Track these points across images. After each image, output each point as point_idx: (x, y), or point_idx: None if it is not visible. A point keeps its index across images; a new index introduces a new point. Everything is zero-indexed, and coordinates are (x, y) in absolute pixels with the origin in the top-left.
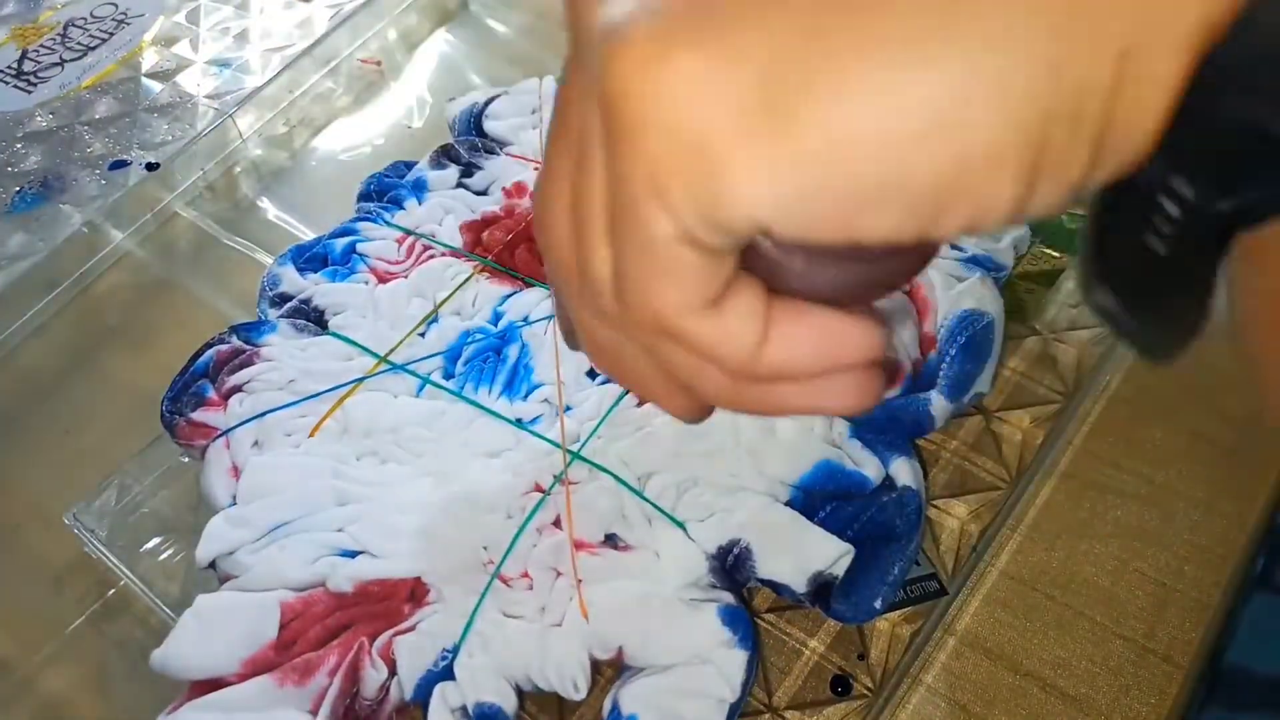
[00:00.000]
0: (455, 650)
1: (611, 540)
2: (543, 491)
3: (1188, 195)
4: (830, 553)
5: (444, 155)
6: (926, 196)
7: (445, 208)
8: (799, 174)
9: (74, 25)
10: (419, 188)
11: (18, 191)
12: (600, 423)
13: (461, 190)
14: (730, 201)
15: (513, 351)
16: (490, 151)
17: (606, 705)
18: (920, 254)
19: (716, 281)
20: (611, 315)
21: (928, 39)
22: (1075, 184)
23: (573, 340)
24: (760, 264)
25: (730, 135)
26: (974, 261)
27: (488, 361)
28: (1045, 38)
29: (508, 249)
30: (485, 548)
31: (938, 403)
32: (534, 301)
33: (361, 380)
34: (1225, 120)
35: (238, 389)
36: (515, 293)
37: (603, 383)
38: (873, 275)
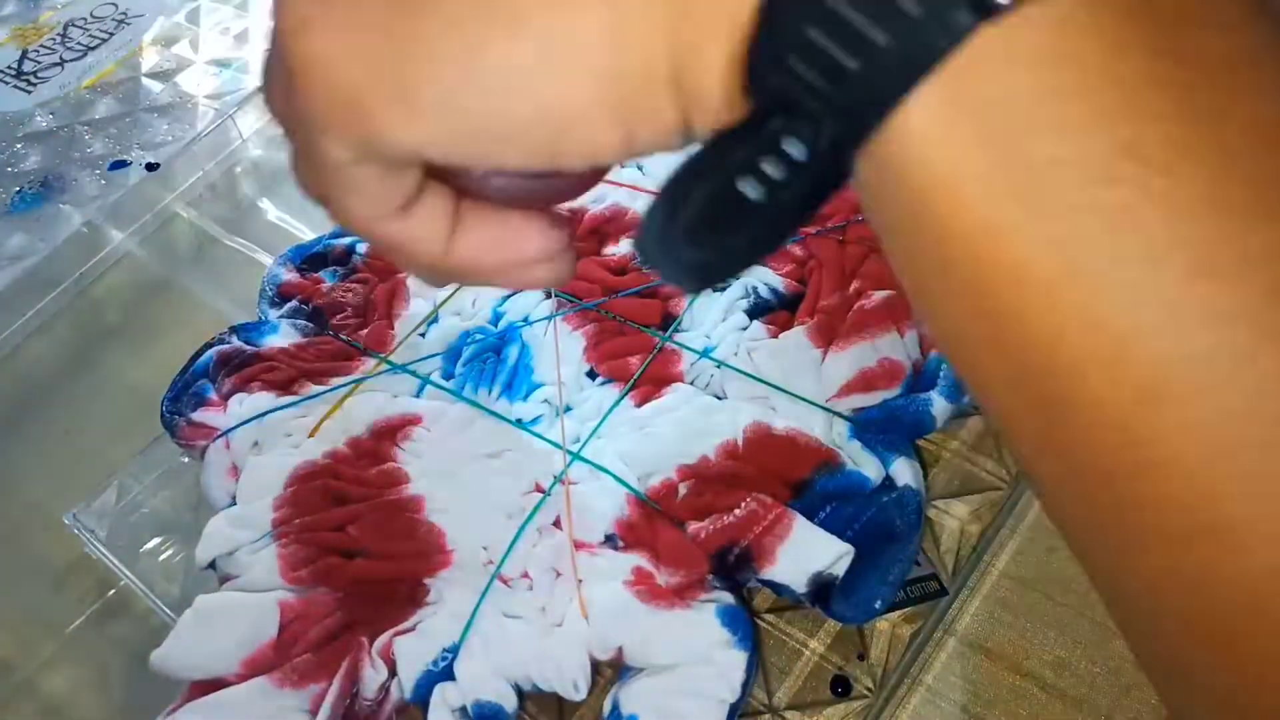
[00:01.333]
0: (455, 651)
1: (611, 540)
2: (543, 492)
3: (800, 145)
4: (830, 553)
5: None
6: (535, 140)
7: None
8: (430, 123)
9: (74, 25)
10: None
11: (18, 191)
12: (600, 423)
13: None
14: (384, 142)
15: (513, 352)
16: None
17: (606, 705)
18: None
19: (401, 192)
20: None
21: (505, 14)
22: (675, 130)
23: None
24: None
25: (372, 92)
26: None
27: (488, 362)
28: (602, 10)
29: None
30: (485, 548)
31: (938, 403)
32: (534, 302)
33: (361, 380)
34: (772, 87)
35: (238, 389)
36: (515, 293)
37: (603, 383)
38: (545, 188)
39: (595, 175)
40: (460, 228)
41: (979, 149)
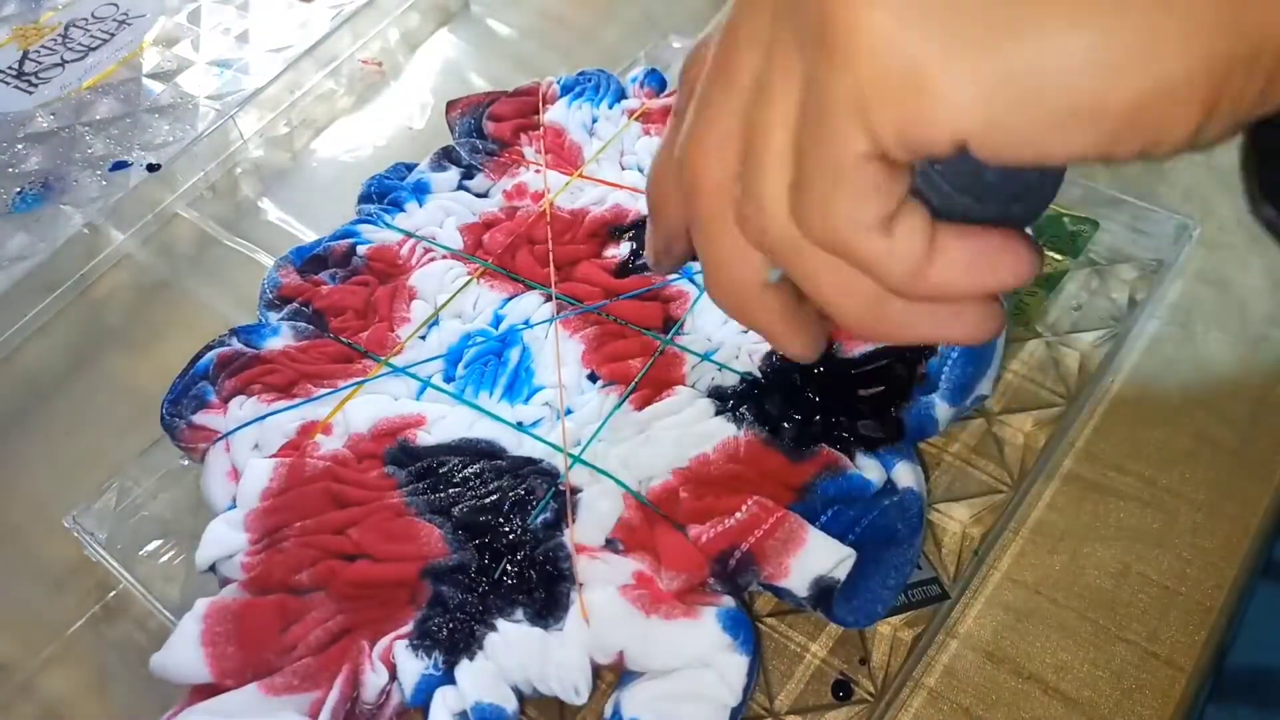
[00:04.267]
0: (456, 654)
1: (612, 544)
2: (543, 495)
3: None
4: (832, 557)
5: (445, 157)
6: (1116, 121)
7: (446, 210)
8: (1001, 94)
9: (75, 26)
10: (420, 190)
11: (19, 192)
12: (601, 426)
13: (462, 192)
14: (935, 119)
15: (514, 355)
16: (491, 153)
17: (608, 710)
18: (1047, 194)
19: (893, 199)
20: (771, 236)
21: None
22: (1244, 117)
23: (661, 265)
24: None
25: (940, 58)
26: None
27: (488, 365)
28: (1227, 6)
29: (508, 252)
30: (486, 551)
31: (940, 406)
32: (535, 304)
33: (362, 383)
34: None
35: (238, 391)
36: (516, 296)
37: (603, 386)
38: (1008, 212)
39: (1046, 201)
40: (936, 247)
41: None
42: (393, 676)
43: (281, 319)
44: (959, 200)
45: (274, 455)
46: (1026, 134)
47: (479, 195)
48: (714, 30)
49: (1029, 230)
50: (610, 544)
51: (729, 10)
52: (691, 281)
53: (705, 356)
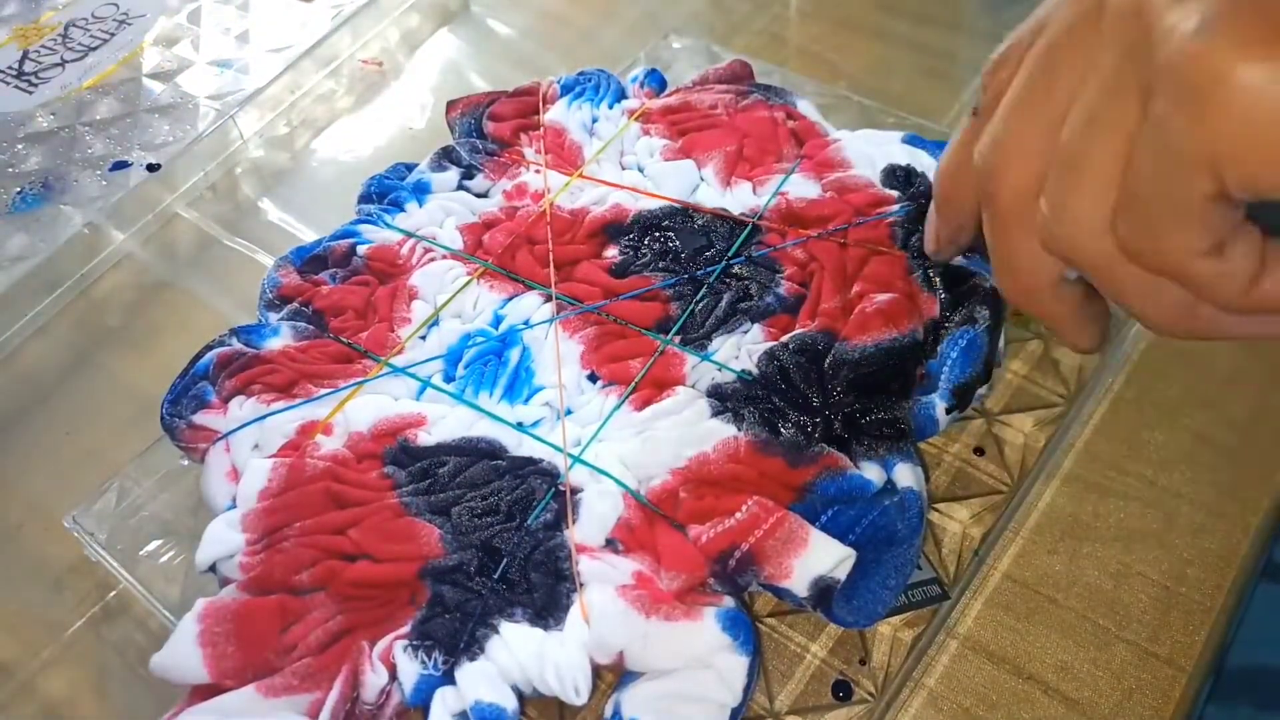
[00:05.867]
0: (456, 654)
1: (612, 544)
2: (543, 495)
3: None
4: (832, 557)
5: (445, 157)
6: None
7: (446, 210)
8: None
9: (75, 26)
10: (420, 190)
11: (19, 192)
12: (601, 426)
13: (462, 193)
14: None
15: (514, 355)
16: (491, 153)
17: (608, 710)
18: None
19: (1227, 228)
20: (1079, 248)
21: None
22: None
23: (942, 253)
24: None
25: None
26: (975, 263)
27: (489, 365)
28: None
29: (509, 252)
30: (486, 551)
31: (940, 406)
32: (535, 305)
33: (362, 383)
34: None
35: (238, 392)
36: (516, 296)
37: (603, 387)
38: None
39: None
40: (1267, 265)
41: None
42: (393, 677)
43: (281, 319)
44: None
45: (274, 455)
46: None
47: (479, 195)
48: (1026, 36)
49: None
50: (610, 544)
51: (1054, 30)
52: (693, 281)
53: (705, 356)
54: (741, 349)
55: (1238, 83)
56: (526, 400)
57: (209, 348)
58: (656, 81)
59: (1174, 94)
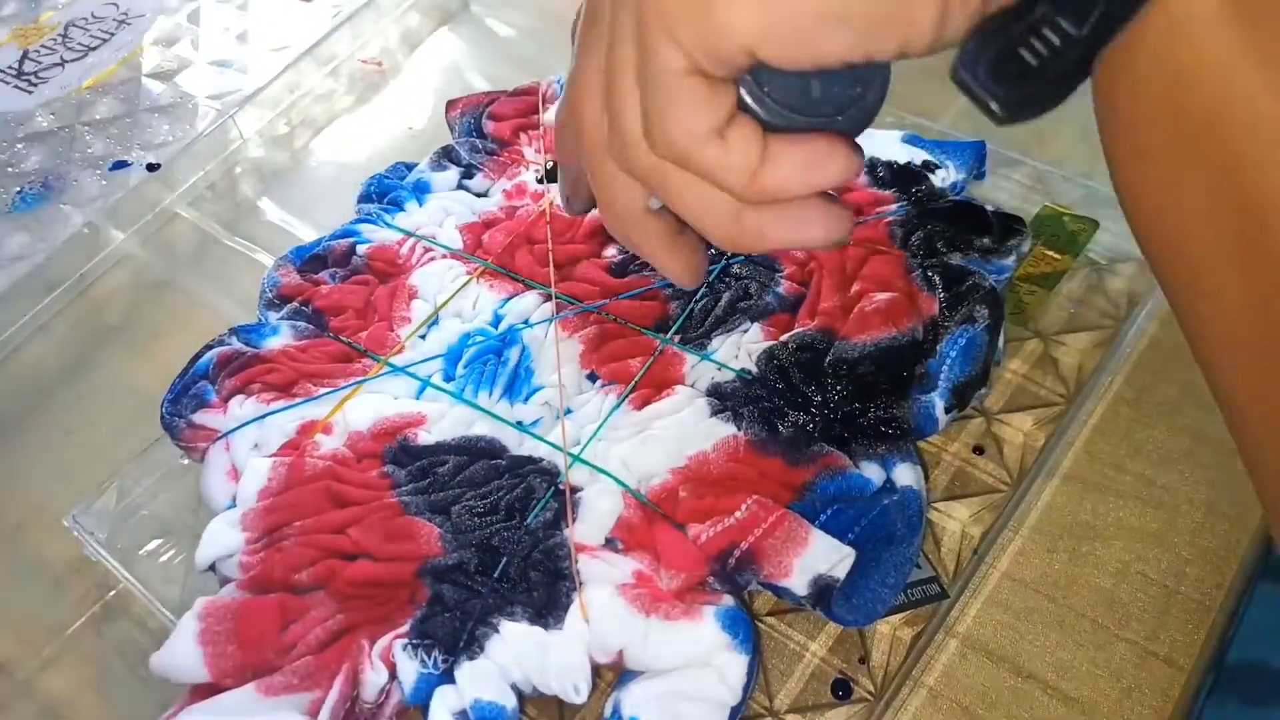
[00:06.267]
0: (455, 653)
1: (612, 543)
2: (543, 495)
3: (1063, 26)
4: (831, 556)
5: (445, 156)
6: (869, 22)
7: (446, 209)
8: (768, 8)
9: (75, 25)
10: (420, 189)
11: (19, 192)
12: (600, 426)
13: (462, 192)
14: (724, 32)
15: (513, 354)
16: (491, 153)
17: (607, 709)
18: (870, 107)
19: (721, 111)
20: (636, 162)
21: None
22: (976, 12)
23: (572, 206)
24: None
25: None
26: (974, 263)
27: (488, 364)
28: None
29: (508, 251)
30: (486, 550)
31: (939, 406)
32: (534, 304)
33: (362, 382)
34: None
35: (238, 391)
36: (515, 295)
37: (603, 386)
38: (833, 124)
39: (870, 112)
40: (769, 153)
41: (1235, 10)
42: (392, 676)
43: (281, 318)
44: (786, 114)
45: (274, 455)
46: (796, 40)
47: (479, 195)
48: None
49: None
50: (610, 543)
51: None
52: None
53: (704, 356)
54: (741, 348)
55: None
56: (526, 399)
57: (209, 347)
58: None
59: None
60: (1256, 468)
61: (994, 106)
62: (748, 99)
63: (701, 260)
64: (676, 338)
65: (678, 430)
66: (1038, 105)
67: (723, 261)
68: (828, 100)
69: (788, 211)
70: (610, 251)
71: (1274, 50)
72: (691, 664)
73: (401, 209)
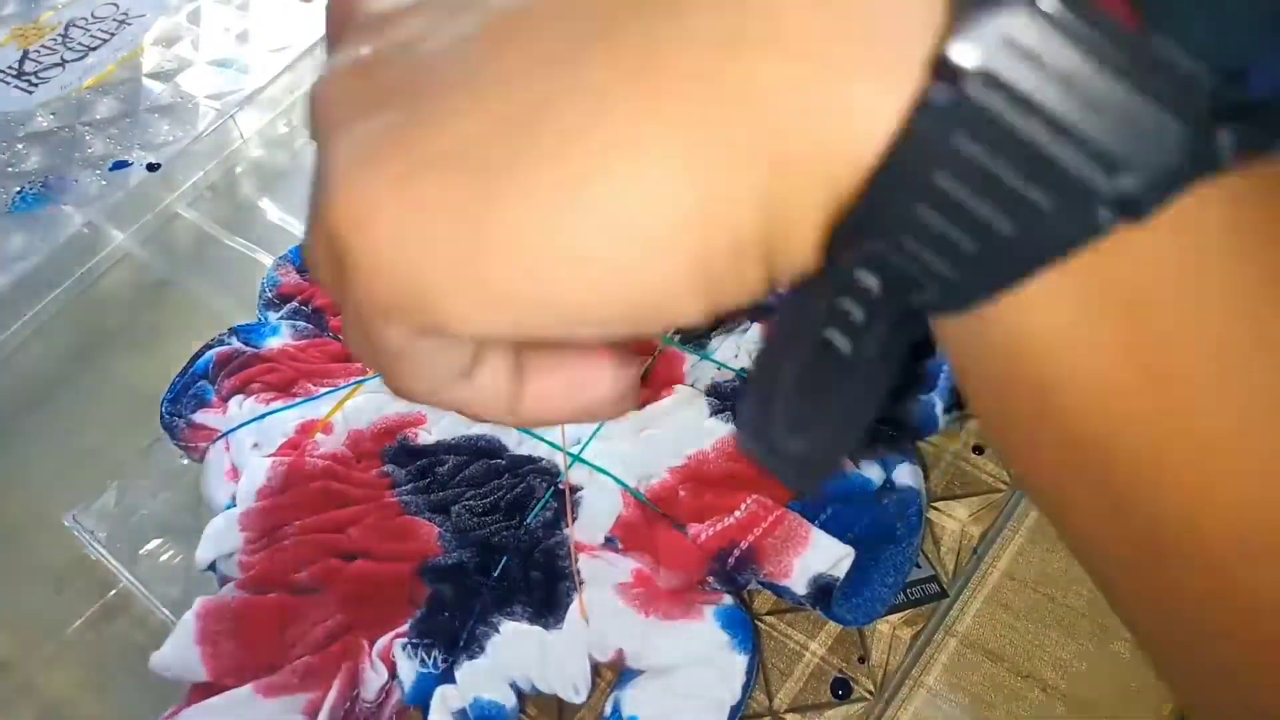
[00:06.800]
0: (455, 652)
1: (611, 542)
2: (542, 494)
3: (871, 286)
4: (831, 555)
5: None
6: (613, 320)
7: None
8: (501, 312)
9: (75, 25)
10: None
11: (19, 192)
12: (600, 425)
13: None
14: (449, 328)
15: None
16: None
17: (607, 708)
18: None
19: (461, 362)
20: (396, 390)
21: (581, 190)
22: (757, 291)
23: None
24: None
25: (437, 285)
26: None
27: None
28: (691, 187)
29: None
30: (485, 550)
31: (939, 405)
32: None
33: (362, 382)
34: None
35: (238, 390)
36: None
37: None
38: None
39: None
40: (525, 380)
41: (1103, 326)
42: (392, 675)
43: (281, 318)
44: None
45: (273, 454)
46: (540, 333)
47: None
48: None
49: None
50: (609, 542)
51: None
52: None
53: (704, 355)
54: (741, 348)
55: (365, 241)
56: None
57: (208, 347)
58: None
59: (329, 248)
60: (1163, 676)
61: (795, 471)
62: None
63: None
64: (676, 337)
65: (677, 430)
66: (857, 425)
67: None
68: None
69: (563, 390)
70: None
71: (1153, 361)
72: (691, 663)
73: None
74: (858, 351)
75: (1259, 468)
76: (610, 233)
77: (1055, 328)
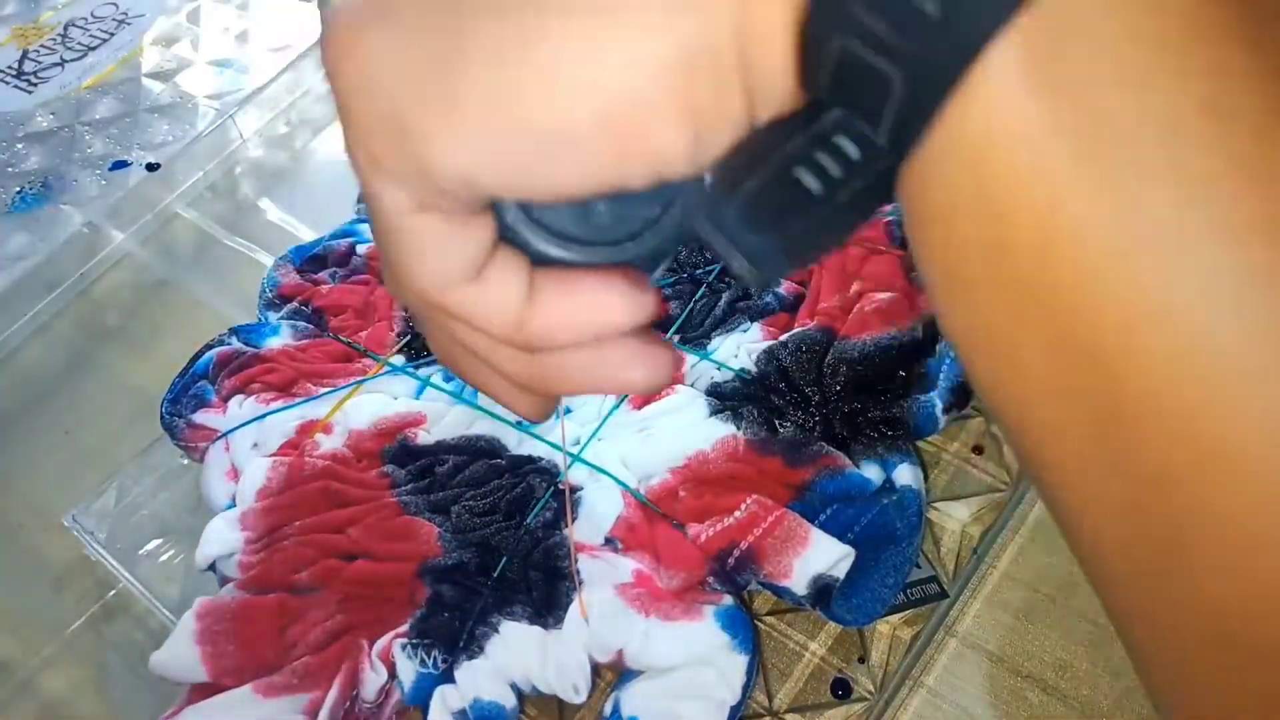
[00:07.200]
0: (455, 652)
1: (611, 543)
2: (542, 494)
3: (853, 143)
4: (831, 555)
5: None
6: (597, 149)
7: None
8: (478, 134)
9: (74, 25)
10: None
11: (18, 192)
12: (600, 425)
13: None
14: (432, 165)
15: None
16: None
17: (607, 708)
18: (668, 232)
19: (469, 247)
20: (413, 306)
21: (560, 13)
22: (740, 125)
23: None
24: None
25: (417, 107)
26: None
27: None
28: (661, 8)
29: None
30: (485, 550)
31: (939, 405)
32: None
33: (362, 382)
34: (837, 55)
35: (238, 390)
36: None
37: None
38: (623, 254)
39: (670, 239)
40: (536, 295)
41: (1054, 104)
42: (392, 675)
43: (281, 318)
44: (559, 243)
45: (273, 454)
46: (520, 172)
47: None
48: None
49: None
50: (609, 543)
51: None
52: (692, 280)
53: (704, 355)
54: (740, 348)
55: (351, 71)
56: None
57: (208, 347)
58: None
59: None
60: (1142, 675)
61: (748, 263)
62: (511, 227)
63: (553, 402)
64: (676, 337)
65: (677, 430)
66: (815, 249)
67: (721, 262)
68: (616, 225)
69: (593, 353)
70: None
71: (1109, 171)
72: (691, 663)
73: None
74: (828, 195)
75: (1197, 279)
76: (585, 44)
77: (1007, 113)
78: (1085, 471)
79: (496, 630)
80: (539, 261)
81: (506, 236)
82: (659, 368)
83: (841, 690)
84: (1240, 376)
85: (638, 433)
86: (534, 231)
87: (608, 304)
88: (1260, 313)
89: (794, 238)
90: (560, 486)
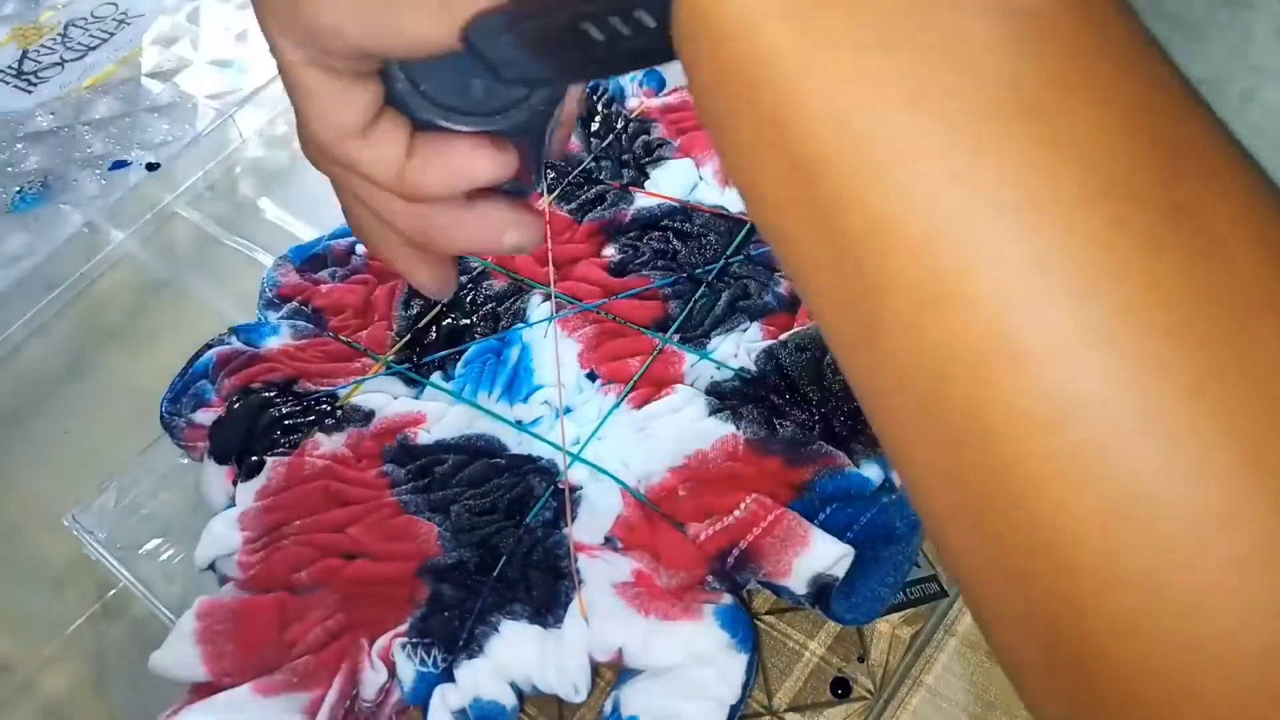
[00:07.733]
0: (455, 652)
1: (611, 542)
2: (542, 494)
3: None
4: (831, 554)
5: None
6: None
7: None
8: None
9: (74, 25)
10: None
11: (18, 191)
12: (600, 425)
13: None
14: (312, 17)
15: (513, 354)
16: None
17: (607, 707)
18: (537, 108)
19: (359, 106)
20: (320, 164)
21: None
22: None
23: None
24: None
25: None
26: None
27: (488, 364)
28: None
29: None
30: (485, 549)
31: None
32: (534, 304)
33: (361, 382)
34: None
35: (237, 390)
36: (516, 295)
37: (602, 385)
38: (491, 123)
39: (534, 120)
40: (416, 150)
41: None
42: (392, 674)
43: (281, 318)
44: (439, 111)
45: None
46: (374, 18)
47: None
48: None
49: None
50: (609, 542)
51: None
52: (692, 279)
53: (704, 355)
54: (740, 347)
55: None
56: (526, 399)
57: (208, 346)
58: (655, 81)
59: None
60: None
61: (505, 71)
62: (400, 95)
63: (448, 271)
64: (676, 337)
65: (677, 429)
66: (581, 74)
67: (721, 261)
68: (488, 99)
69: (472, 215)
70: (609, 251)
71: (835, 34)
72: (691, 662)
73: None
74: (609, 46)
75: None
76: None
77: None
78: (813, 254)
79: (496, 629)
80: (422, 127)
81: (396, 103)
82: (529, 232)
83: (841, 689)
84: (909, 170)
85: (637, 432)
86: (418, 101)
87: (474, 158)
88: (913, 120)
89: (561, 65)
90: (560, 486)
